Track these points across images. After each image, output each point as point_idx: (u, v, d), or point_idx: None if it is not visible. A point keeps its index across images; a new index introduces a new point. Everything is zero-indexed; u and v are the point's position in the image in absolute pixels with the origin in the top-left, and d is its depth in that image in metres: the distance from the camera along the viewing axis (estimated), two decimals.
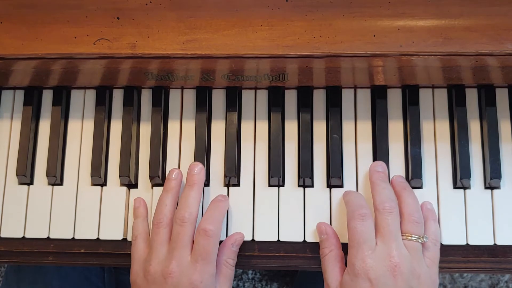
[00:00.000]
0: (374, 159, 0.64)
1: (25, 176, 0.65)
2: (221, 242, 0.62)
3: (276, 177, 0.63)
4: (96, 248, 0.64)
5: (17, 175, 0.65)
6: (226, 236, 0.63)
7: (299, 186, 0.64)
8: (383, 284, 0.55)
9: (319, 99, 0.66)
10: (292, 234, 0.63)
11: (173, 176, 0.63)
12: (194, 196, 0.61)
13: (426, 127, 0.65)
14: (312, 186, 0.64)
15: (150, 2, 0.56)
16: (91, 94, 0.68)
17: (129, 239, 0.64)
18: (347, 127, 0.65)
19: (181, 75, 0.63)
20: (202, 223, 0.59)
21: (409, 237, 0.58)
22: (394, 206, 0.58)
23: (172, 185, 0.62)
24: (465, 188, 0.63)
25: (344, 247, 0.60)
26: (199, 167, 0.62)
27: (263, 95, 0.66)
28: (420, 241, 0.58)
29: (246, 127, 0.66)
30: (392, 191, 0.61)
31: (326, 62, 0.58)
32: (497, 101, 0.64)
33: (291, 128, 0.65)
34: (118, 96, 0.68)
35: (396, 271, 0.55)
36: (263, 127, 0.66)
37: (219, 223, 0.60)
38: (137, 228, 0.62)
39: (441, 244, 0.61)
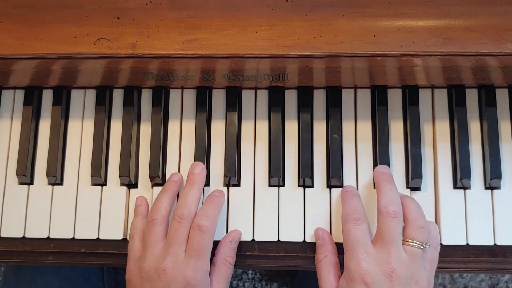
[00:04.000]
0: (374, 159, 0.64)
1: (25, 176, 0.65)
2: (215, 242, 0.62)
3: (276, 177, 0.63)
4: (96, 248, 0.64)
5: (17, 175, 0.65)
6: None
7: (299, 186, 0.64)
8: None
9: (319, 99, 0.66)
10: (292, 234, 0.63)
11: (174, 178, 0.63)
12: (193, 194, 0.61)
13: (426, 127, 0.65)
14: (312, 186, 0.64)
15: (150, 2, 0.56)
16: (91, 94, 0.68)
17: (129, 239, 0.64)
18: (347, 127, 0.65)
19: (181, 75, 0.63)
20: (197, 218, 0.59)
21: (411, 243, 0.57)
22: (398, 210, 0.57)
23: (171, 186, 0.63)
24: (465, 188, 0.63)
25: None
26: (201, 167, 0.63)
27: (263, 95, 0.66)
28: (422, 247, 0.57)
29: (246, 127, 0.66)
30: (398, 193, 0.60)
31: (326, 62, 0.58)
32: (497, 101, 0.64)
33: (291, 128, 0.65)
34: (118, 96, 0.68)
35: (393, 277, 0.55)
36: (263, 127, 0.66)
37: (214, 219, 0.60)
38: (135, 226, 0.62)
39: (441, 244, 0.61)
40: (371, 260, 0.56)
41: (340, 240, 0.61)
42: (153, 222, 0.60)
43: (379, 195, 0.59)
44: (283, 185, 0.64)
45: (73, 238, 0.64)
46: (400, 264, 0.55)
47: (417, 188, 0.63)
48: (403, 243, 0.57)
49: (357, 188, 0.63)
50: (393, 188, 0.60)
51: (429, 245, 0.58)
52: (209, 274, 0.60)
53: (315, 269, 0.61)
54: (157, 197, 0.62)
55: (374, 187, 0.63)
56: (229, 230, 0.63)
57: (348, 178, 0.64)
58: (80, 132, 0.67)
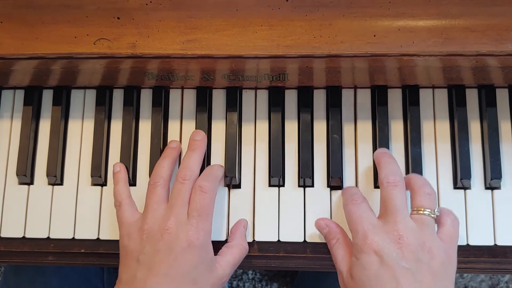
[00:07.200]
0: None
1: (25, 176, 0.65)
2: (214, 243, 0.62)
3: (276, 177, 0.63)
4: (96, 248, 0.64)
5: (17, 175, 0.65)
6: (226, 237, 0.63)
7: (299, 186, 0.64)
8: (389, 256, 0.53)
9: (319, 99, 0.66)
10: (292, 234, 0.63)
11: (173, 145, 0.64)
12: (195, 158, 0.61)
13: (426, 127, 0.65)
14: (312, 186, 0.64)
15: (150, 2, 0.56)
16: (91, 94, 0.68)
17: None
18: (347, 127, 0.65)
19: (181, 75, 0.63)
20: (197, 181, 0.59)
21: (421, 212, 0.55)
22: (399, 179, 0.57)
23: (171, 152, 0.63)
24: (465, 188, 0.63)
25: None
26: (202, 135, 0.63)
27: (263, 95, 0.66)
28: (432, 215, 0.56)
29: (246, 127, 0.66)
30: (398, 166, 0.59)
31: (326, 62, 0.58)
32: (498, 101, 0.64)
33: (291, 128, 0.65)
34: (118, 96, 0.68)
35: (401, 242, 0.53)
36: (263, 127, 0.66)
37: (215, 182, 0.60)
38: (120, 194, 0.62)
39: None
40: (377, 231, 0.54)
41: None
42: (155, 184, 0.60)
43: (379, 169, 0.59)
44: (283, 185, 0.64)
45: (73, 238, 0.64)
46: (407, 231, 0.54)
47: None
48: (411, 214, 0.56)
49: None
50: (392, 161, 0.59)
51: (438, 210, 0.57)
52: (220, 255, 0.60)
53: (315, 269, 0.61)
54: (157, 163, 0.62)
55: (375, 187, 0.63)
56: (229, 230, 0.63)
57: (348, 178, 0.64)
58: (80, 132, 0.67)
